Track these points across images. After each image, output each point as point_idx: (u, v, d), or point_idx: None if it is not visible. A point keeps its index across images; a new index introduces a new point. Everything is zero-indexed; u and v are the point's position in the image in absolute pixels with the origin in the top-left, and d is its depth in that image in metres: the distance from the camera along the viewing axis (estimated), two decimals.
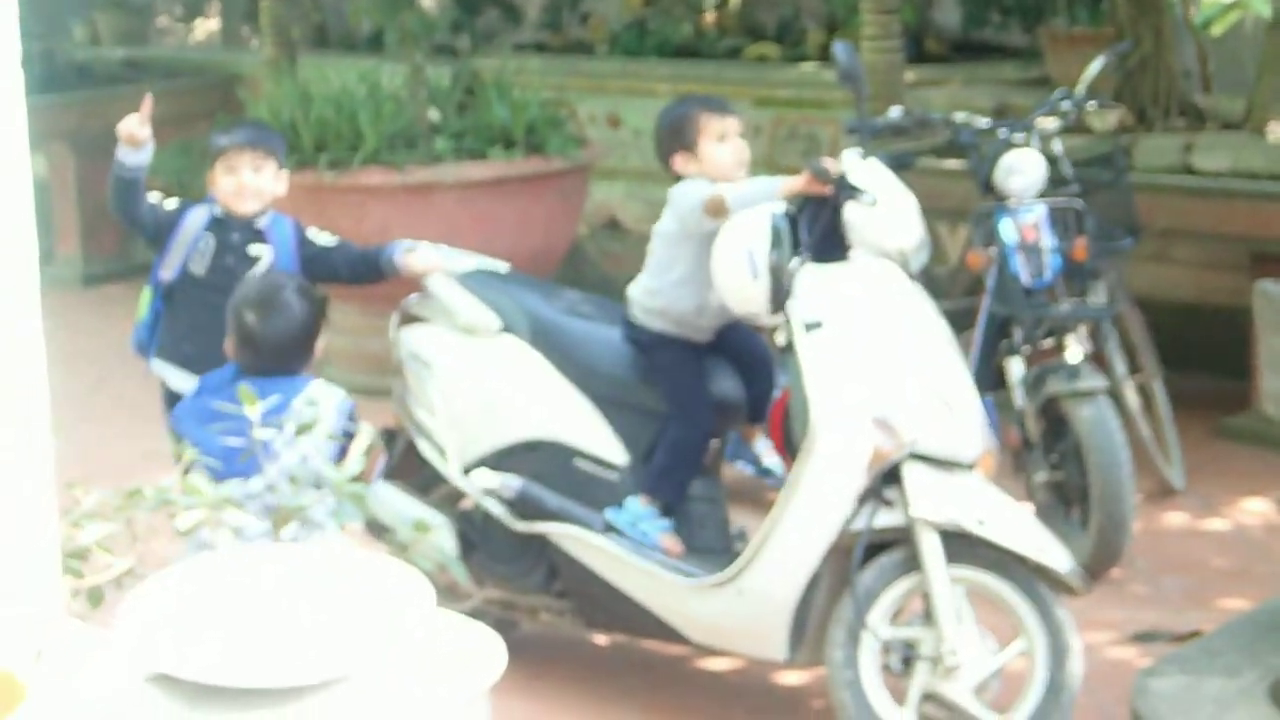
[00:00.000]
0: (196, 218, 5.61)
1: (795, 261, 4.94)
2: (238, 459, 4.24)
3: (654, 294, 5.27)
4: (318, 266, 5.68)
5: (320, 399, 4.68)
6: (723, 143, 5.21)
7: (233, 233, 5.59)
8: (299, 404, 4.62)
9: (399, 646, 2.69)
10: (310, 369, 4.87)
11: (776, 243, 4.90)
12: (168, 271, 5.62)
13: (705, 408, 5.27)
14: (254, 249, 5.59)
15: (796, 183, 4.99)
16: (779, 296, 4.89)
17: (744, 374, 5.37)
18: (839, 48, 5.17)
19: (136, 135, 5.49)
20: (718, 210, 5.03)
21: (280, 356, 4.76)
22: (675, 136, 5.25)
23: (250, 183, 5.61)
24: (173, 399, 5.38)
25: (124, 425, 5.58)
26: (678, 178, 5.24)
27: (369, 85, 8.71)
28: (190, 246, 5.58)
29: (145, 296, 5.72)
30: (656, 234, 5.32)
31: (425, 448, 5.51)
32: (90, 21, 13.62)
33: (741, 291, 4.95)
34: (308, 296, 4.98)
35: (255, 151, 5.63)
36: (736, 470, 5.76)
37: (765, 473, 5.50)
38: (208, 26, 15.28)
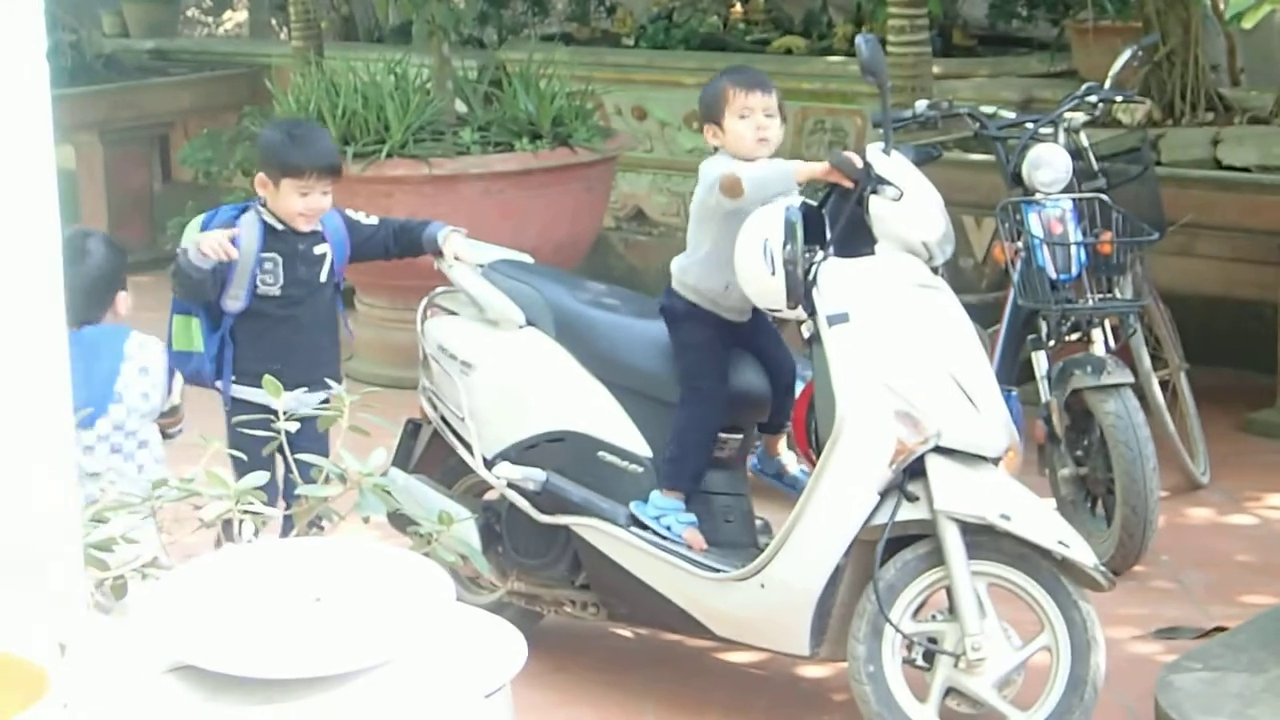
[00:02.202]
0: (249, 242, 5.46)
1: (819, 255, 4.94)
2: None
3: (686, 270, 5.28)
4: (370, 247, 5.68)
5: (148, 344, 4.99)
6: (743, 119, 5.18)
7: (296, 243, 5.52)
8: (132, 349, 4.92)
9: (419, 640, 2.70)
10: (113, 319, 5.00)
11: (791, 237, 4.89)
12: (234, 302, 5.48)
13: (718, 390, 5.24)
14: (318, 249, 5.56)
15: (814, 168, 4.99)
16: (795, 290, 4.89)
17: (769, 376, 5.36)
18: (861, 41, 5.15)
19: (229, 254, 5.36)
20: (732, 189, 5.03)
21: (78, 304, 4.72)
22: (708, 108, 5.24)
23: (320, 205, 5.50)
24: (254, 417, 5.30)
25: None
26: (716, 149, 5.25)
27: (396, 77, 8.72)
28: (253, 272, 5.47)
29: (190, 328, 5.52)
30: (690, 211, 5.33)
31: (450, 440, 5.52)
32: (118, 13, 13.65)
33: (760, 285, 4.95)
34: (111, 248, 5.09)
35: (330, 177, 5.52)
36: (761, 481, 5.74)
37: (790, 485, 5.47)
38: (236, 18, 15.32)
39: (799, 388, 5.84)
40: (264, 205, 5.54)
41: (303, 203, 5.47)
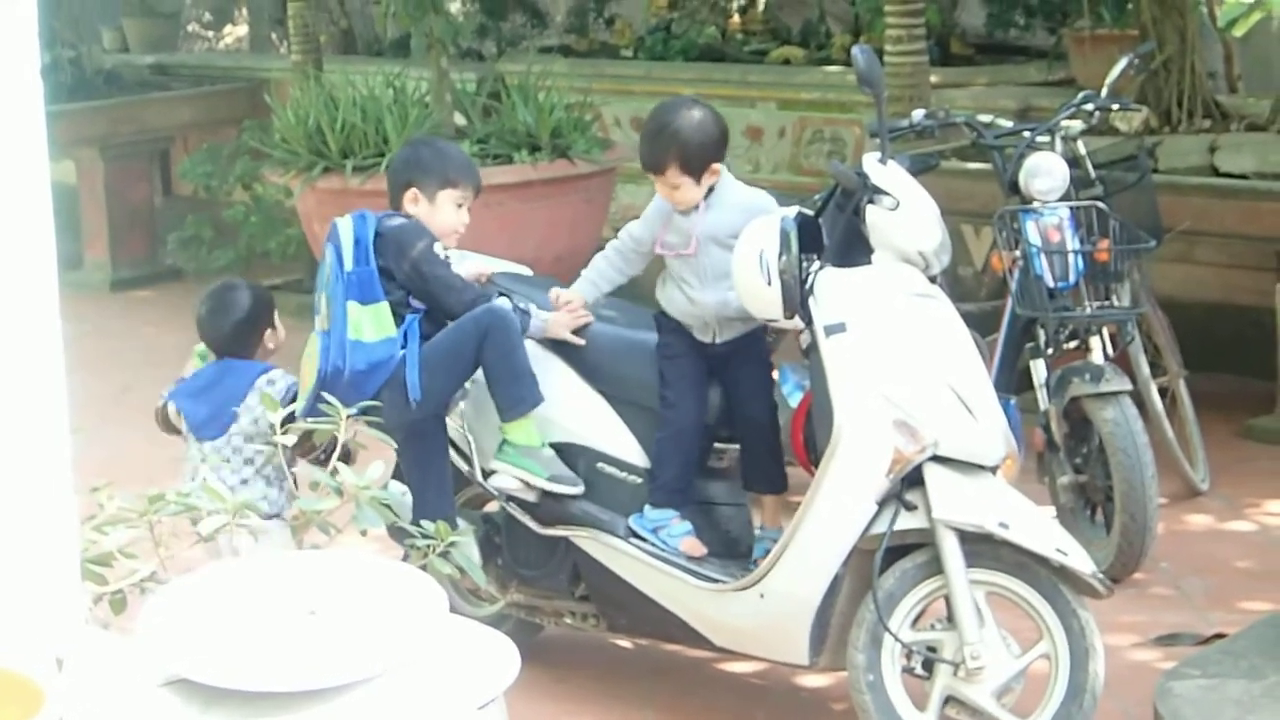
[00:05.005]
0: None
1: (816, 265, 4.95)
2: (207, 425, 5.30)
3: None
4: None
5: (277, 380, 5.34)
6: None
7: None
8: (261, 382, 5.29)
9: (413, 652, 2.71)
10: (262, 355, 5.45)
11: (786, 246, 4.89)
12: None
13: (695, 400, 5.25)
14: None
15: None
16: (791, 300, 4.89)
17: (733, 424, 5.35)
18: (858, 51, 5.16)
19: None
20: None
21: (225, 342, 5.42)
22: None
23: (467, 219, 5.45)
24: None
25: (149, 430, 5.57)
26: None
27: (395, 90, 8.75)
28: None
29: (379, 315, 5.18)
30: None
31: (450, 451, 5.52)
32: (119, 29, 13.69)
33: (757, 295, 4.94)
34: (253, 295, 5.48)
35: (477, 191, 5.49)
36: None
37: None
38: (236, 32, 15.34)
39: (796, 399, 5.85)
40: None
41: (458, 216, 5.40)
